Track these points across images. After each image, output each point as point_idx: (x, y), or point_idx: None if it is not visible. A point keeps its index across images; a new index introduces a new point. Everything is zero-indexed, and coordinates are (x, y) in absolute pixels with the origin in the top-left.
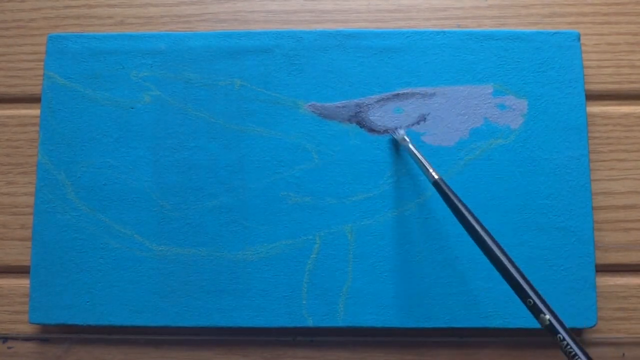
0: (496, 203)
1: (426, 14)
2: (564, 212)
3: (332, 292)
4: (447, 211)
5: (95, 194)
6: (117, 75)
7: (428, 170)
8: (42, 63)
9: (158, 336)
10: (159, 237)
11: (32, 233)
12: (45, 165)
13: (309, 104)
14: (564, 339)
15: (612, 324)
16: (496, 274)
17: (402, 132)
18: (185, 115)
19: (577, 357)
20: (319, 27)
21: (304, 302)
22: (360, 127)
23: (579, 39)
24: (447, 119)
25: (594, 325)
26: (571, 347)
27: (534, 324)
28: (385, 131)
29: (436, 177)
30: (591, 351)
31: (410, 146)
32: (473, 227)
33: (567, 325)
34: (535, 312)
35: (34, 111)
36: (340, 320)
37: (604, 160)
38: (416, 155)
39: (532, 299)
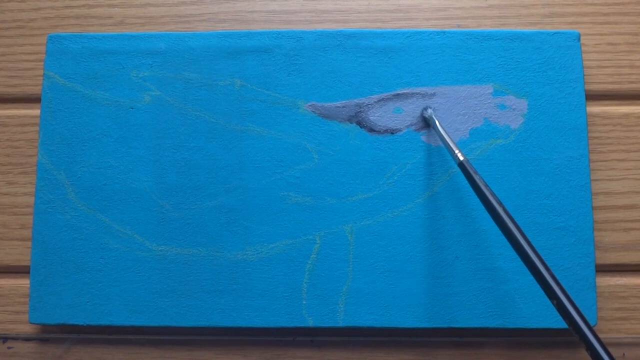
0: None
1: (426, 14)
2: (564, 212)
3: (332, 292)
4: (447, 211)
5: (95, 194)
6: (117, 75)
7: (454, 151)
8: (42, 63)
9: (158, 336)
10: (159, 237)
11: (32, 233)
12: (45, 165)
13: (309, 104)
14: (585, 340)
15: (612, 324)
16: (496, 274)
17: (430, 111)
18: (185, 116)
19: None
20: (319, 27)
21: (304, 302)
22: (360, 127)
23: (579, 39)
24: (447, 119)
25: (594, 326)
26: (594, 350)
27: (534, 324)
28: (386, 131)
29: (461, 158)
30: None
31: (438, 126)
32: (495, 209)
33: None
34: (560, 309)
35: (34, 111)
36: (340, 320)
37: (604, 160)
38: (442, 136)
39: (557, 298)
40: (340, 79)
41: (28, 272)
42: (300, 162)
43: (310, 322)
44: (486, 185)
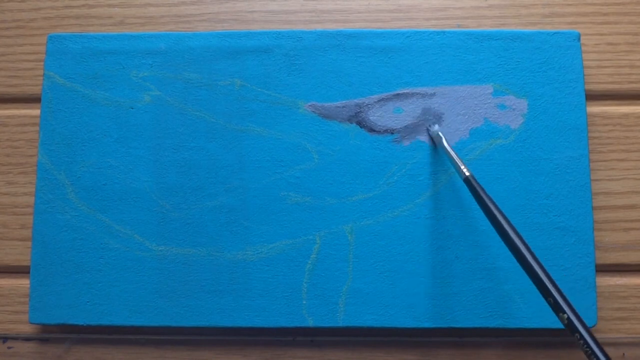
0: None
1: (426, 14)
2: (564, 212)
3: (332, 292)
4: (447, 211)
5: (95, 194)
6: (117, 75)
7: (459, 167)
8: (42, 63)
9: (158, 336)
10: (159, 237)
11: (32, 233)
12: (45, 165)
13: (309, 104)
14: (581, 338)
15: (612, 324)
16: (496, 274)
17: (436, 127)
18: (185, 115)
19: (593, 356)
20: (319, 27)
21: (304, 302)
22: (360, 127)
23: (579, 39)
24: (447, 119)
25: (594, 325)
26: (588, 347)
27: (534, 324)
28: (386, 131)
29: (467, 173)
30: None
31: (444, 142)
32: (500, 224)
33: None
34: (556, 310)
35: (34, 111)
36: (340, 320)
37: (604, 160)
38: (448, 152)
39: (553, 297)
40: (340, 79)
41: (28, 272)
42: (300, 162)
43: (310, 322)
44: (493, 202)
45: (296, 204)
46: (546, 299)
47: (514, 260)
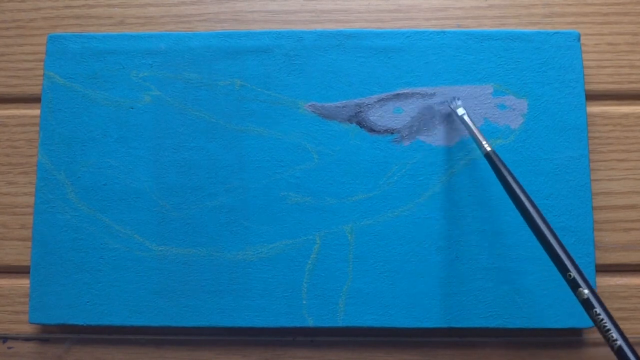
0: (496, 203)
1: (426, 14)
2: (564, 212)
3: (332, 292)
4: (447, 211)
5: (95, 194)
6: (117, 75)
7: (481, 142)
8: (42, 63)
9: (158, 336)
10: (159, 237)
11: (32, 233)
12: (45, 165)
13: (309, 104)
14: (599, 314)
15: None
16: (496, 274)
17: (459, 102)
18: (185, 116)
19: (610, 331)
20: (319, 27)
21: (304, 302)
22: (360, 127)
23: (579, 39)
24: (447, 119)
25: (594, 326)
26: (606, 322)
27: (534, 324)
28: (386, 131)
29: (488, 149)
30: (591, 351)
31: (466, 118)
32: (522, 201)
33: (567, 325)
34: (574, 286)
35: (34, 111)
36: (340, 320)
37: (604, 160)
38: (470, 127)
39: (572, 273)
40: (340, 79)
41: (28, 272)
42: (300, 162)
43: (310, 322)
44: (514, 178)
45: (296, 204)
46: (564, 274)
47: (515, 260)
